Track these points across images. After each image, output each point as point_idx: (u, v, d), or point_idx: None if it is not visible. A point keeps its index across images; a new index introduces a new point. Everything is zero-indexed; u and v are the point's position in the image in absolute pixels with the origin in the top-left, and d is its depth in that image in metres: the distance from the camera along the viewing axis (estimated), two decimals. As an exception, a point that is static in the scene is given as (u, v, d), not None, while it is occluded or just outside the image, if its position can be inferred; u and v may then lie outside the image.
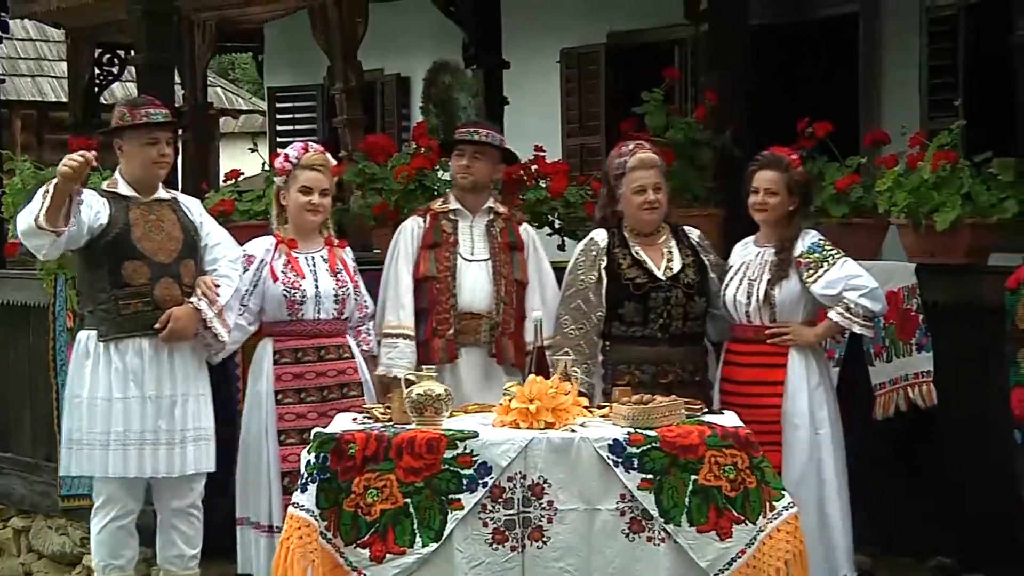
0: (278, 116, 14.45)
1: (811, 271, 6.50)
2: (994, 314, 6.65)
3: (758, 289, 6.56)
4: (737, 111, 8.60)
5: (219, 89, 18.82)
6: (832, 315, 6.50)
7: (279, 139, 13.95)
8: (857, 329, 6.56)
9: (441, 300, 6.85)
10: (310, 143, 6.95)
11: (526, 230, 7.12)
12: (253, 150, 9.53)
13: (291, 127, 14.10)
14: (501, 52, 9.68)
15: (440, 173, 8.23)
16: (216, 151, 14.00)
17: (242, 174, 9.09)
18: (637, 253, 6.58)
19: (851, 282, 6.45)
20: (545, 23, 11.15)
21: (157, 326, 6.58)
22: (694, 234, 6.77)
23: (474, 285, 6.87)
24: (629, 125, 8.57)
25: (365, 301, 6.90)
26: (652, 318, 6.52)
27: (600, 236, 6.64)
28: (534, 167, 8.53)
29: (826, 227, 7.35)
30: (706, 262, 6.68)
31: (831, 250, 6.55)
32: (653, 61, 9.77)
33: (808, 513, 6.27)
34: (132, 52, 10.17)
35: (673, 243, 6.65)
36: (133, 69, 9.20)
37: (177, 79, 10.26)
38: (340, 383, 6.73)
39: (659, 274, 6.55)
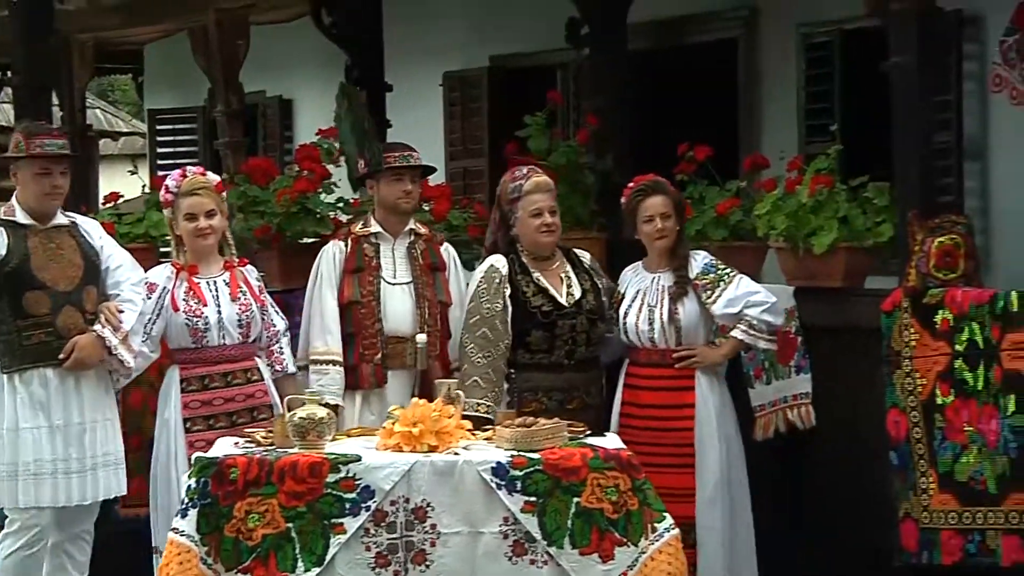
0: (158, 138, 14.31)
1: (709, 292, 6.60)
2: (871, 336, 6.74)
3: (661, 314, 6.62)
4: (619, 135, 8.65)
5: (98, 111, 18.59)
6: (736, 333, 6.60)
7: (159, 161, 13.81)
8: (763, 344, 6.67)
9: (367, 325, 6.83)
10: (188, 168, 6.89)
11: (447, 250, 7.13)
12: (133, 172, 9.44)
13: (172, 149, 13.96)
14: (384, 75, 9.67)
15: (323, 196, 8.20)
16: (96, 173, 13.83)
17: (121, 197, 9.00)
18: (539, 280, 6.61)
19: (751, 299, 6.57)
20: (428, 46, 11.15)
21: (61, 356, 6.48)
22: (586, 257, 6.83)
23: (398, 308, 6.85)
24: (512, 148, 8.59)
25: (272, 320, 6.86)
26: (559, 345, 6.56)
27: (500, 263, 6.64)
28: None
29: (706, 250, 7.42)
30: (600, 286, 6.73)
31: (724, 269, 6.66)
32: (536, 84, 9.82)
33: (715, 535, 6.42)
34: (9, 73, 10.04)
35: (569, 268, 6.69)
36: (10, 90, 9.08)
37: (55, 100, 10.13)
38: (249, 407, 6.67)
39: (563, 301, 6.58)
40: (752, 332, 6.57)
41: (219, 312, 6.65)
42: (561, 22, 8.86)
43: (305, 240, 8.12)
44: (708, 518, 6.40)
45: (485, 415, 6.43)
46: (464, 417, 6.11)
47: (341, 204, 8.31)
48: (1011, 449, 6.28)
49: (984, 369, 6.33)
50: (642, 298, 6.67)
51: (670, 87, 9.88)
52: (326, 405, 6.40)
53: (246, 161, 9.05)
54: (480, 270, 6.69)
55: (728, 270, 6.64)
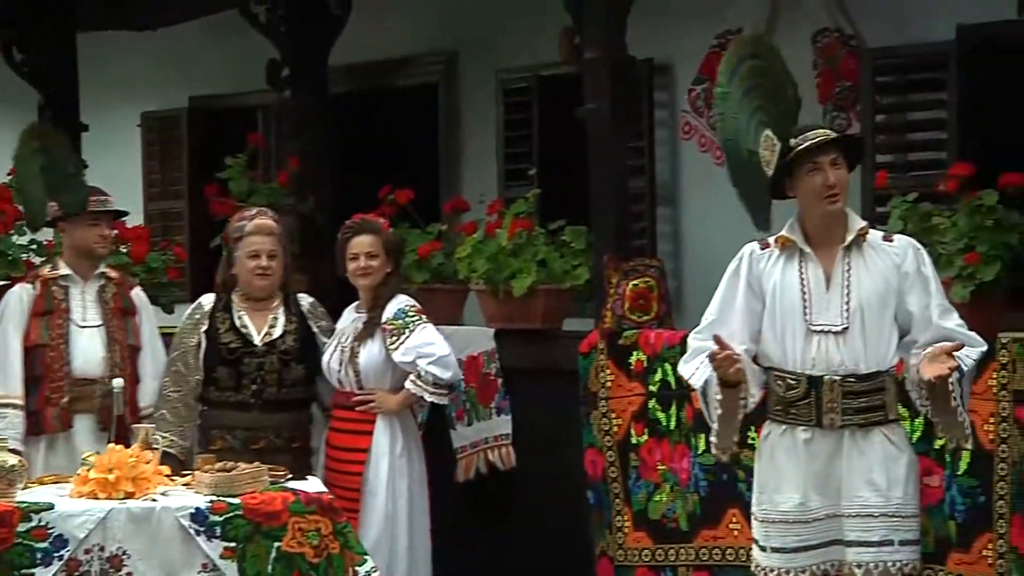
0: None
1: (394, 338, 6.57)
2: (569, 377, 6.85)
3: (346, 355, 6.61)
4: (320, 177, 8.68)
5: None
6: (407, 383, 6.59)
7: None
8: (428, 397, 6.63)
9: (54, 368, 6.72)
10: None
11: (138, 295, 7.05)
12: None
13: None
14: (79, 114, 9.48)
15: (15, 237, 7.99)
16: None
17: None
18: (240, 318, 6.59)
19: (423, 350, 6.54)
20: (125, 86, 10.96)
21: None
22: (306, 301, 6.80)
23: (87, 351, 6.76)
24: (212, 190, 8.50)
25: None
26: (245, 383, 6.54)
27: (207, 300, 6.67)
28: (114, 232, 8.35)
29: (407, 293, 7.45)
30: (315, 329, 6.70)
31: (414, 316, 6.62)
32: (237, 126, 9.73)
33: None
34: None
35: (282, 310, 6.66)
36: None
37: None
38: None
39: (256, 340, 6.55)
40: (418, 384, 6.55)
41: None
42: (262, 63, 8.83)
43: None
44: None
45: (166, 449, 6.40)
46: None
47: (34, 246, 8.10)
48: (701, 487, 6.44)
49: (676, 409, 6.50)
50: (340, 337, 6.68)
51: (372, 130, 9.90)
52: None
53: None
54: (190, 307, 6.73)
55: (416, 318, 6.61)
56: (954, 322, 5.09)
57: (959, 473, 5.91)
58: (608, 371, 6.73)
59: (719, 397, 5.06)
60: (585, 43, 7.08)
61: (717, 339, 4.99)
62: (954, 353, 4.95)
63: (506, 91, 9.07)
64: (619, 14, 7.06)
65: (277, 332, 6.59)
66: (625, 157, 7.25)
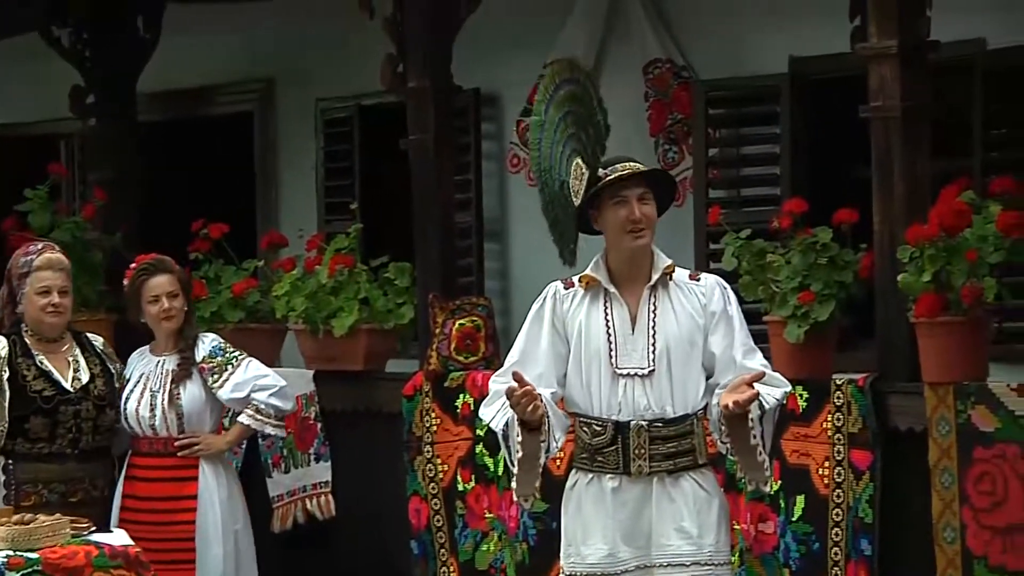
0: None
1: (216, 376, 6.50)
2: (392, 421, 6.85)
3: (163, 400, 6.48)
4: (128, 210, 8.55)
5: None
6: (243, 419, 6.55)
7: None
8: (270, 430, 6.64)
9: None
10: None
11: None
12: None
13: None
14: None
15: None
16: None
17: None
18: (42, 363, 6.34)
19: (258, 383, 6.54)
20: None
21: None
22: (98, 342, 6.64)
23: None
24: (11, 224, 8.25)
25: None
26: (61, 433, 6.32)
27: (0, 344, 6.35)
28: None
29: (222, 333, 7.28)
30: (113, 371, 6.54)
31: (232, 352, 6.60)
32: (37, 156, 9.48)
33: None
34: None
35: (78, 351, 6.46)
36: None
37: None
38: None
39: (68, 386, 6.34)
40: (259, 417, 6.54)
41: None
42: (65, 89, 8.62)
43: None
44: None
45: None
46: None
47: None
48: (530, 536, 6.44)
49: (505, 454, 6.43)
50: (145, 383, 6.53)
51: (183, 160, 9.73)
52: None
53: None
54: None
55: (236, 353, 6.59)
56: (758, 362, 5.00)
57: (793, 519, 5.95)
58: (433, 415, 6.71)
59: (520, 439, 4.91)
60: (409, 71, 7.08)
61: (516, 375, 4.84)
62: (757, 390, 4.84)
63: (326, 121, 8.98)
64: (444, 42, 7.11)
65: (85, 377, 6.39)
66: (451, 190, 7.27)
